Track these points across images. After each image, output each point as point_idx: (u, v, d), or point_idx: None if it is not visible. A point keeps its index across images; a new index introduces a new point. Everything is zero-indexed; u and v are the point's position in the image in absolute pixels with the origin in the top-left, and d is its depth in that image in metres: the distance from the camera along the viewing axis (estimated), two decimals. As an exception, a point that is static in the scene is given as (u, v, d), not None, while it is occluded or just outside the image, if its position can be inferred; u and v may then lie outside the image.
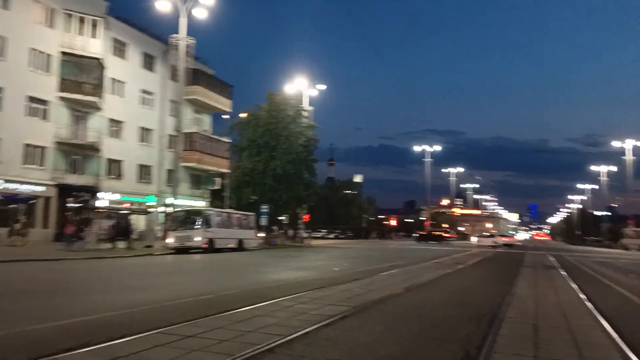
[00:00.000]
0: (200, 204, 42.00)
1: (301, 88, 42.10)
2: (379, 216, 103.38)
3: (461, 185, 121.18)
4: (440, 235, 66.40)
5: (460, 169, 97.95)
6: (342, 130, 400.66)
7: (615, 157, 73.52)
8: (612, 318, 8.02)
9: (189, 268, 18.58)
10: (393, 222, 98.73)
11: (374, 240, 74.97)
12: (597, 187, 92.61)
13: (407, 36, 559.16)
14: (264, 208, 36.12)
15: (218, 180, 46.30)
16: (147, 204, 38.39)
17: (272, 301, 8.61)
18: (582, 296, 10.92)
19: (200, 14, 28.23)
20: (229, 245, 27.83)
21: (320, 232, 70.53)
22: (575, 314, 8.48)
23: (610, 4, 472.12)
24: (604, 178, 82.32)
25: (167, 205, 31.13)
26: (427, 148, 76.90)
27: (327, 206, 77.16)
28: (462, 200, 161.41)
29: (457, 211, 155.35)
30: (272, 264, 20.09)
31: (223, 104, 45.54)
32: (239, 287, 11.25)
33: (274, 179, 37.48)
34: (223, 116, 47.51)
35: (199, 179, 44.65)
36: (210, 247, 25.89)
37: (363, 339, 5.97)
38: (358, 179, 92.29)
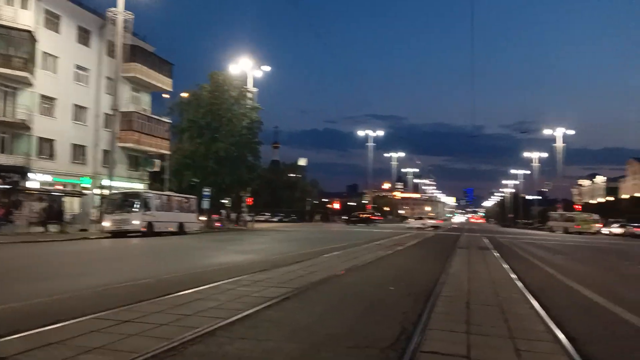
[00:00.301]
0: (139, 186, 40.73)
1: (245, 69, 41.39)
2: (322, 199, 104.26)
3: (402, 170, 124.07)
4: (369, 218, 68.09)
5: (401, 154, 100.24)
6: (287, 113, 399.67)
7: (546, 143, 77.76)
8: (538, 294, 8.55)
9: (127, 252, 18.04)
10: (336, 206, 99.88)
11: (317, 223, 75.62)
12: (529, 172, 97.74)
13: (351, 19, 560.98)
14: (206, 191, 35.54)
15: (157, 162, 44.95)
16: (82, 185, 36.79)
17: (214, 284, 8.53)
18: (512, 275, 11.53)
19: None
20: (169, 229, 27.21)
21: (264, 215, 70.28)
22: (505, 291, 8.96)
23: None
24: (535, 164, 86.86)
25: (103, 187, 30.00)
26: (370, 133, 78.10)
27: (271, 189, 76.96)
28: (402, 184, 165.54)
29: (398, 195, 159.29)
30: (214, 248, 19.89)
31: (163, 82, 44.05)
32: (179, 271, 11.06)
33: (216, 161, 36.89)
34: (163, 95, 46.00)
35: (137, 161, 43.20)
36: (150, 231, 25.25)
37: (305, 320, 6.05)
38: (302, 162, 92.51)
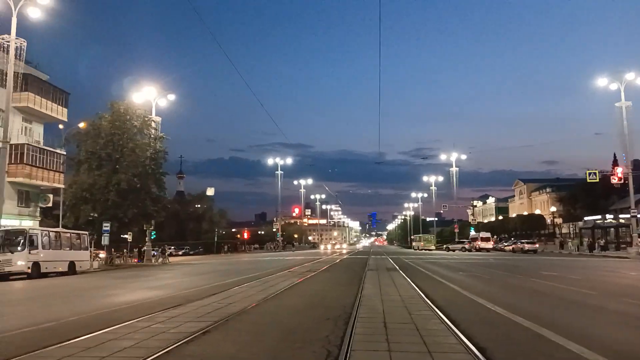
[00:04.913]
0: (29, 223, 37.57)
1: (149, 97, 40.18)
2: (232, 229, 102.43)
3: (311, 197, 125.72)
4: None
5: (309, 181, 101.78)
6: (192, 141, 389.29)
7: (442, 168, 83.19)
8: (446, 309, 9.14)
9: (15, 297, 16.38)
10: (245, 235, 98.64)
11: (227, 254, 74.06)
12: (426, 195, 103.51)
13: (260, 50, 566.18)
14: (106, 226, 33.64)
15: (50, 196, 41.83)
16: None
17: (126, 323, 8.15)
18: (421, 293, 12.16)
19: (34, 13, 25.50)
20: (59, 269, 25.09)
21: (169, 248, 67.58)
22: (416, 308, 9.45)
23: (444, 29, 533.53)
24: (433, 187, 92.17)
25: (5, 227, 27.18)
26: (279, 161, 78.68)
27: (177, 221, 74.28)
28: (310, 210, 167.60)
29: (306, 221, 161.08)
30: (119, 286, 18.74)
31: (58, 112, 41.34)
32: (83, 312, 10.32)
33: (117, 194, 35.08)
34: (60, 126, 43.05)
35: (28, 196, 39.90)
36: (36, 272, 22.96)
37: (228, 350, 5.99)
38: (210, 192, 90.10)
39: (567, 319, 8.58)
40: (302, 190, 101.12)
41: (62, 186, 39.42)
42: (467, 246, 65.79)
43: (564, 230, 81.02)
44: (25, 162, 36.76)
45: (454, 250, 64.14)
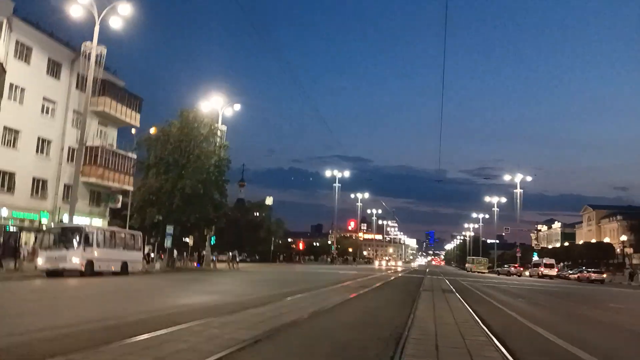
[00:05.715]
0: (99, 222, 39.70)
1: (216, 106, 41.66)
2: (287, 239, 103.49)
3: (367, 211, 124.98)
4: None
5: (366, 195, 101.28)
6: (254, 151, 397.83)
7: (505, 189, 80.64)
8: (503, 336, 8.84)
9: (73, 294, 16.89)
10: (300, 246, 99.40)
11: (282, 263, 74.94)
12: (488, 216, 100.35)
13: (324, 63, 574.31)
14: (169, 229, 34.90)
15: (119, 197, 44.03)
16: (42, 220, 35.52)
17: (182, 326, 8.40)
18: (476, 317, 11.81)
19: (116, 23, 27.09)
20: (112, 269, 25.11)
21: (225, 255, 69.24)
22: (470, 333, 9.18)
23: (511, 46, 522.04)
24: (495, 208, 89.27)
25: (62, 223, 28.98)
26: (337, 173, 78.96)
27: (235, 228, 75.96)
28: (366, 225, 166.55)
29: (362, 236, 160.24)
30: (176, 288, 19.38)
31: (131, 117, 43.65)
32: (142, 312, 10.72)
33: (181, 199, 36.37)
34: (132, 131, 45.37)
35: (99, 196, 42.22)
36: (89, 270, 22.88)
37: (280, 362, 6.08)
38: (269, 201, 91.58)
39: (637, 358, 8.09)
40: (359, 204, 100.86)
41: (131, 188, 41.36)
42: (512, 270, 67.27)
43: (635, 261, 76.11)
44: (98, 164, 38.94)
45: (505, 274, 65.60)
